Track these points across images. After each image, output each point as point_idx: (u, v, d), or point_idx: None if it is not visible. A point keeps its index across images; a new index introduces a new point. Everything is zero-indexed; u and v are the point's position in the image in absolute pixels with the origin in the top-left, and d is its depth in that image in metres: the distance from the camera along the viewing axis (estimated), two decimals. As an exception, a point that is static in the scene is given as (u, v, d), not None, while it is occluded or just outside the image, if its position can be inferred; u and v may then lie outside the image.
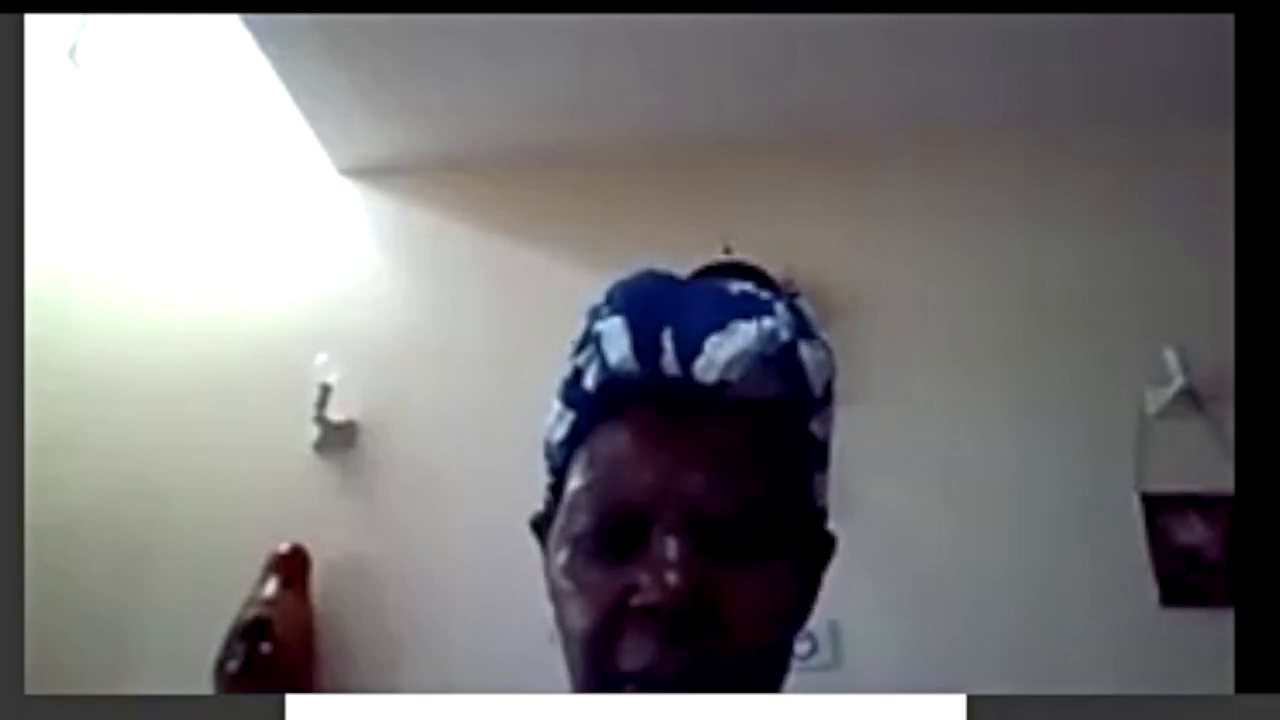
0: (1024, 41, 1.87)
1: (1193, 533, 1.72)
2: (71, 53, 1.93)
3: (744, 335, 0.55)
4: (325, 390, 1.90)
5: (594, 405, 0.58)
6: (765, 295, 0.59)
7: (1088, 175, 2.06)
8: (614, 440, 0.56)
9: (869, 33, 1.84)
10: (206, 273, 2.17)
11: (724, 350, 0.54)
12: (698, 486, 0.53)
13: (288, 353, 1.98)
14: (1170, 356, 1.80)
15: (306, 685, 1.70)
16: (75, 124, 2.18)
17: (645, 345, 0.55)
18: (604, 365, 0.56)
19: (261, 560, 1.75)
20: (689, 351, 0.54)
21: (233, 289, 2.15)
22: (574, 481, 0.58)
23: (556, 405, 0.61)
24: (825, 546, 0.63)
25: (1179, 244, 1.93)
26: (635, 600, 0.51)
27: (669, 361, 0.55)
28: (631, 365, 0.55)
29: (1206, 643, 1.50)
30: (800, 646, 0.58)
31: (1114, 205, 2.02)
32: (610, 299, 0.59)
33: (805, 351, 0.57)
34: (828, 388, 0.60)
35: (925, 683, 1.53)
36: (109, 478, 1.94)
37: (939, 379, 1.89)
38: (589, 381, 0.57)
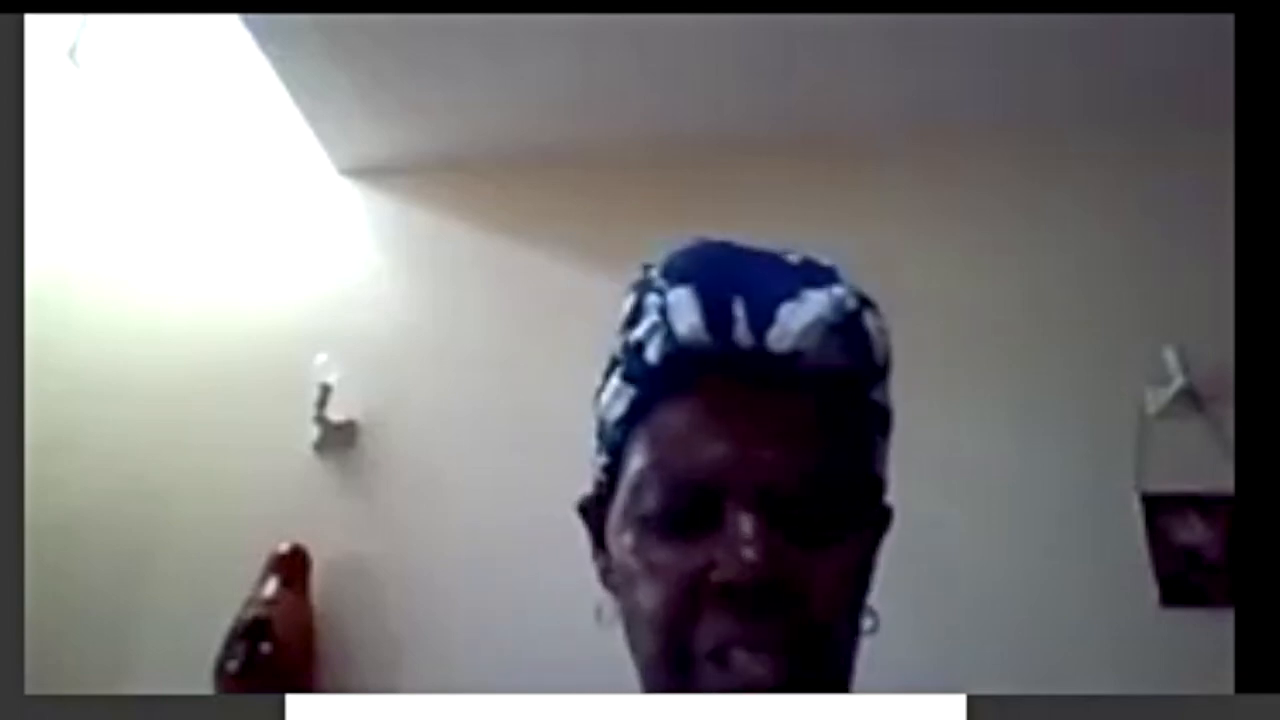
0: (1024, 41, 1.87)
1: (1193, 533, 1.72)
2: (71, 53, 1.93)
3: (817, 303, 0.54)
4: (325, 390, 1.90)
5: (657, 379, 0.56)
6: (826, 263, 0.58)
7: (1088, 175, 2.06)
8: (680, 414, 0.55)
9: (869, 33, 1.84)
10: (206, 273, 2.17)
11: (798, 319, 0.53)
12: (771, 461, 0.52)
13: (288, 353, 1.98)
14: (1170, 356, 1.79)
15: (306, 685, 1.70)
16: (75, 124, 2.18)
17: (717, 315, 0.54)
18: (671, 336, 0.55)
19: (261, 560, 1.75)
20: (763, 321, 0.53)
21: (233, 289, 2.15)
22: (637, 460, 0.56)
23: (614, 382, 0.59)
24: (884, 517, 0.62)
25: (1179, 244, 1.93)
26: (714, 577, 0.51)
27: (742, 332, 0.54)
28: (703, 336, 0.54)
29: (1206, 643, 1.49)
30: (866, 621, 0.58)
31: (1114, 205, 2.02)
32: (669, 269, 0.57)
33: (869, 320, 0.57)
34: (888, 357, 0.59)
35: (925, 683, 1.53)
36: (109, 478, 1.94)
37: (939, 379, 1.89)
38: (652, 354, 0.56)
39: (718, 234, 0.62)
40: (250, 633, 1.65)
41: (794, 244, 0.61)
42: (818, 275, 0.57)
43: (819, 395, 0.55)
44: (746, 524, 0.51)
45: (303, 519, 1.84)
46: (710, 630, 0.51)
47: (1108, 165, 2.06)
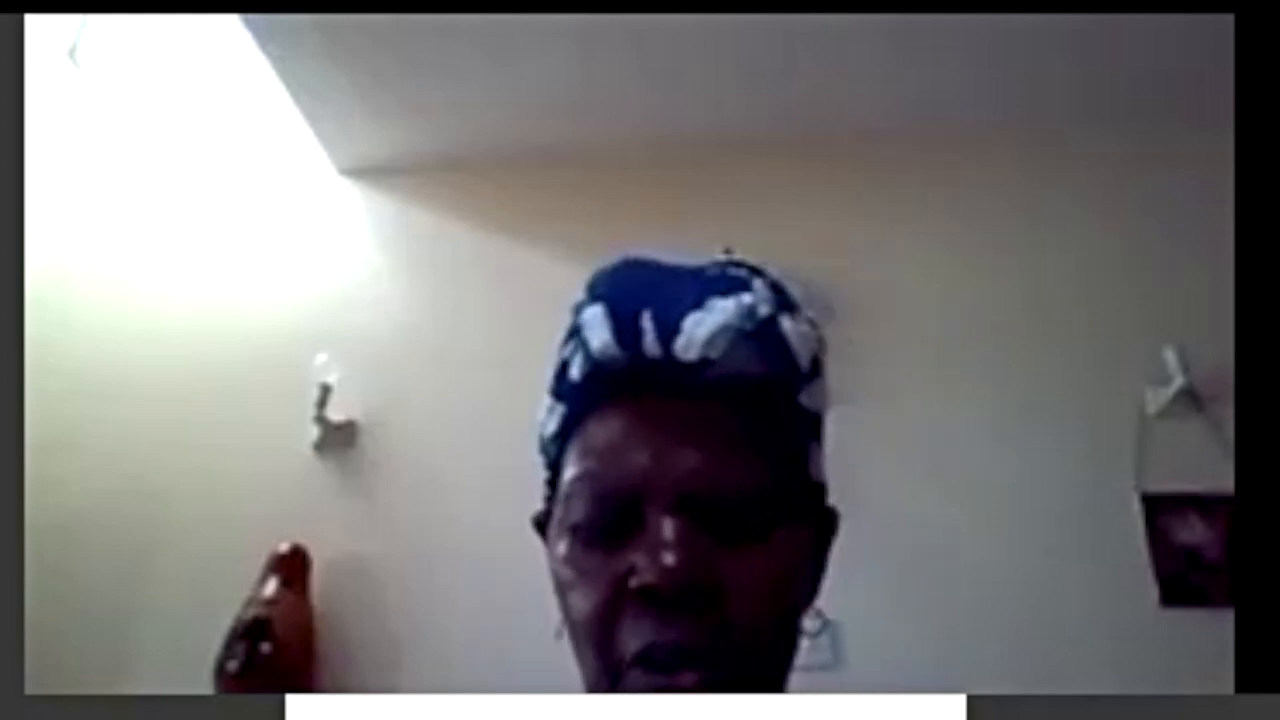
0: (1024, 41, 1.87)
1: (1193, 533, 1.72)
2: (71, 53, 1.93)
3: (722, 311, 0.55)
4: (325, 390, 1.90)
5: (582, 395, 0.58)
6: (743, 273, 0.59)
7: (1088, 175, 2.06)
8: (605, 427, 0.56)
9: (869, 33, 1.84)
10: (206, 273, 2.18)
11: (703, 327, 0.54)
12: (691, 467, 0.53)
13: (288, 353, 1.98)
14: (1170, 356, 1.80)
15: (306, 685, 1.70)
16: (75, 124, 2.18)
17: (625, 329, 0.55)
18: (587, 354, 0.56)
19: (261, 560, 1.75)
20: (668, 331, 0.55)
21: (233, 289, 2.15)
22: (568, 472, 0.58)
23: (547, 400, 0.61)
24: (827, 522, 0.62)
25: (1179, 244, 1.93)
26: (633, 582, 0.52)
27: (650, 343, 0.55)
28: (614, 350, 0.55)
29: (1206, 643, 1.50)
30: (810, 624, 0.58)
31: (1114, 205, 2.02)
32: (590, 288, 0.59)
33: (787, 325, 0.57)
34: (815, 361, 0.59)
35: (925, 683, 1.53)
36: (109, 478, 1.94)
37: (939, 379, 1.89)
38: (575, 372, 0.58)
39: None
40: (250, 633, 1.65)
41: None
42: (730, 284, 0.57)
43: (738, 402, 0.55)
44: (667, 528, 0.52)
45: (303, 519, 1.84)
46: (634, 634, 0.52)
47: (1108, 165, 2.06)
